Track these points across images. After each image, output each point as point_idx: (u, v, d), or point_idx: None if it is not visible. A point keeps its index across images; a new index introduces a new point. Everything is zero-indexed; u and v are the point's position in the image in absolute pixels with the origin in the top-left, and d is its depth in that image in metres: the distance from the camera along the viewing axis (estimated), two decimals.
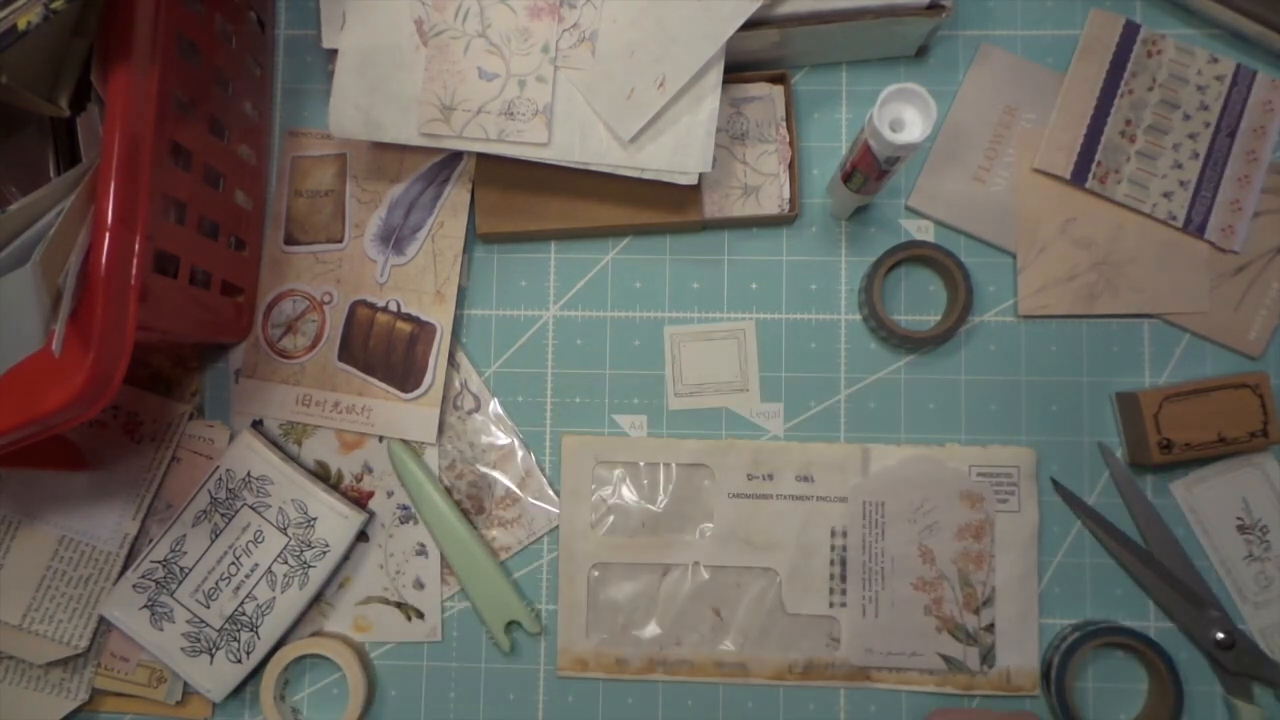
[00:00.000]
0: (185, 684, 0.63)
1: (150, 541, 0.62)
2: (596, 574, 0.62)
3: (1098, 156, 0.62)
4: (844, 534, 0.61)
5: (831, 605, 0.61)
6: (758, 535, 0.61)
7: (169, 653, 0.60)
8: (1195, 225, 0.61)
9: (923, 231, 0.64)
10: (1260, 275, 0.62)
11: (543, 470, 0.64)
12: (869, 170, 0.55)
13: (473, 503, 0.64)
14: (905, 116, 0.51)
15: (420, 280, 0.63)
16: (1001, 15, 0.65)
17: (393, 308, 0.64)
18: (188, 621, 0.61)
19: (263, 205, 0.65)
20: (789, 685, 0.61)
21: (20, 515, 0.62)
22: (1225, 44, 0.63)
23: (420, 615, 0.63)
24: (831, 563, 0.61)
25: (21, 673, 0.63)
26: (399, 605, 0.63)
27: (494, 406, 0.64)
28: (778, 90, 0.63)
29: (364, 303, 0.64)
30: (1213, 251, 0.62)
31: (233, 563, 0.61)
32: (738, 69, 0.61)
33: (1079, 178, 0.62)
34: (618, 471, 0.63)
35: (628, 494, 0.62)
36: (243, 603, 0.61)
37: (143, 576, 0.61)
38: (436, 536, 0.62)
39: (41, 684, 0.62)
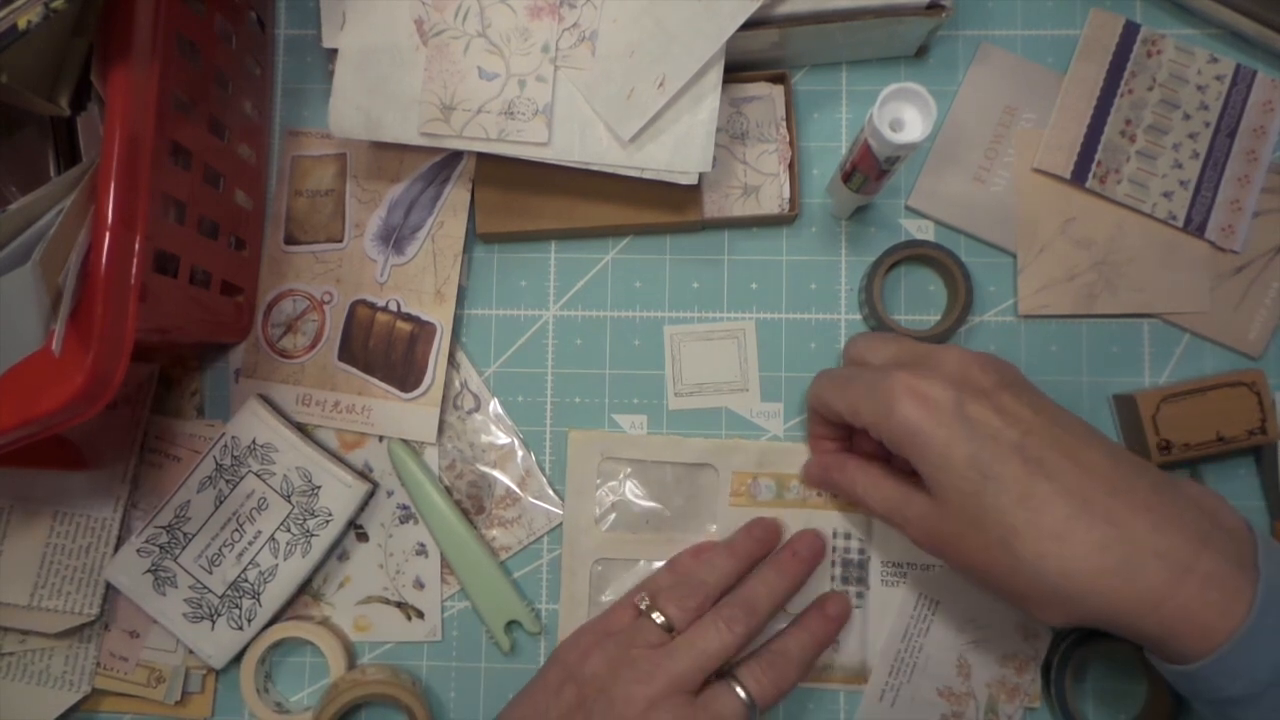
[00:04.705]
0: (184, 684, 0.63)
1: (145, 507, 0.62)
2: (599, 569, 0.62)
3: (1098, 156, 0.62)
4: (845, 536, 0.61)
5: None
6: None
7: (171, 618, 0.61)
8: (1195, 225, 0.61)
9: (923, 231, 0.64)
10: (1260, 275, 0.62)
11: (543, 470, 0.64)
12: (869, 170, 0.55)
13: (473, 502, 0.64)
14: (905, 116, 0.51)
15: (420, 280, 0.63)
16: (1001, 15, 0.65)
17: (393, 307, 0.64)
18: (190, 587, 0.61)
19: (263, 205, 0.65)
20: None
21: (10, 500, 0.62)
22: (1225, 44, 0.63)
23: (420, 615, 0.63)
24: (832, 564, 0.61)
25: (23, 668, 0.63)
26: (399, 605, 0.63)
27: (494, 406, 0.64)
28: (778, 90, 0.63)
29: (364, 302, 0.64)
30: (1213, 251, 0.62)
31: (236, 529, 0.61)
32: (738, 69, 0.61)
33: (1079, 178, 0.62)
34: (623, 468, 0.63)
35: (632, 490, 0.62)
36: (245, 570, 0.61)
37: (147, 541, 0.61)
38: (436, 536, 0.62)
39: (44, 679, 0.62)
